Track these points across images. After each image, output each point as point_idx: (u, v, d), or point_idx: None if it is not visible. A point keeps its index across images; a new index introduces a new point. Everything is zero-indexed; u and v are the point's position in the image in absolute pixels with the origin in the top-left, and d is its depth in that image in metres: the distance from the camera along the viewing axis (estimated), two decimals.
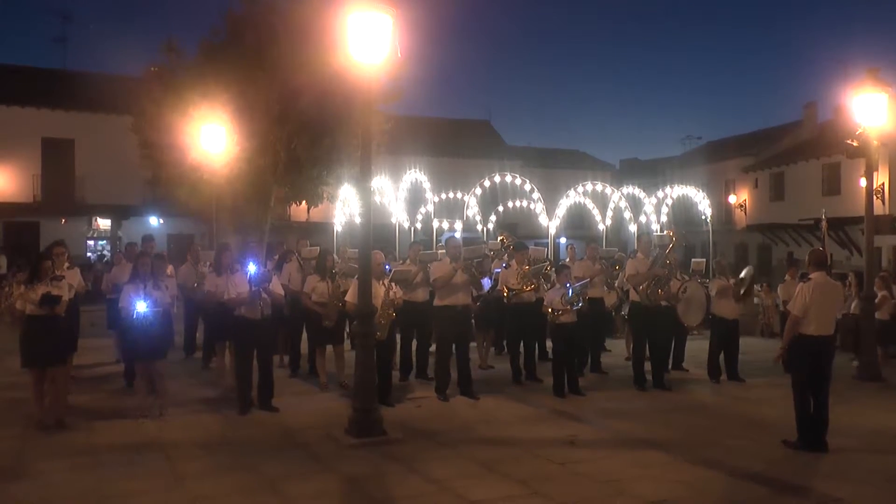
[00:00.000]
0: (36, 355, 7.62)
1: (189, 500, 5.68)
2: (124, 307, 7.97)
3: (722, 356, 10.78)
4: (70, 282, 8.32)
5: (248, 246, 10.02)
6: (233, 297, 8.32)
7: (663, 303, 10.14)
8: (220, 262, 9.23)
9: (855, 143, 11.50)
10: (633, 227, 19.35)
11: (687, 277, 10.88)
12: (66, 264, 9.15)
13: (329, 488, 5.96)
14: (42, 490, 5.84)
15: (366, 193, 7.69)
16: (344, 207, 21.36)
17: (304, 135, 16.86)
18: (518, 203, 22.24)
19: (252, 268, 8.24)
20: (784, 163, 33.62)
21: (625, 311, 11.97)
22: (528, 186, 18.81)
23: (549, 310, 9.45)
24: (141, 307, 7.81)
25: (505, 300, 10.40)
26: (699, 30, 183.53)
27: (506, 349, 11.72)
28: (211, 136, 13.23)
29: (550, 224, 18.41)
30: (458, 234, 18.65)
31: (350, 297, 8.56)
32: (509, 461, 6.64)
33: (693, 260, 11.79)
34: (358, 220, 17.66)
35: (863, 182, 11.91)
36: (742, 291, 10.93)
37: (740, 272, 11.35)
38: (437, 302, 9.41)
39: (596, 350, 11.38)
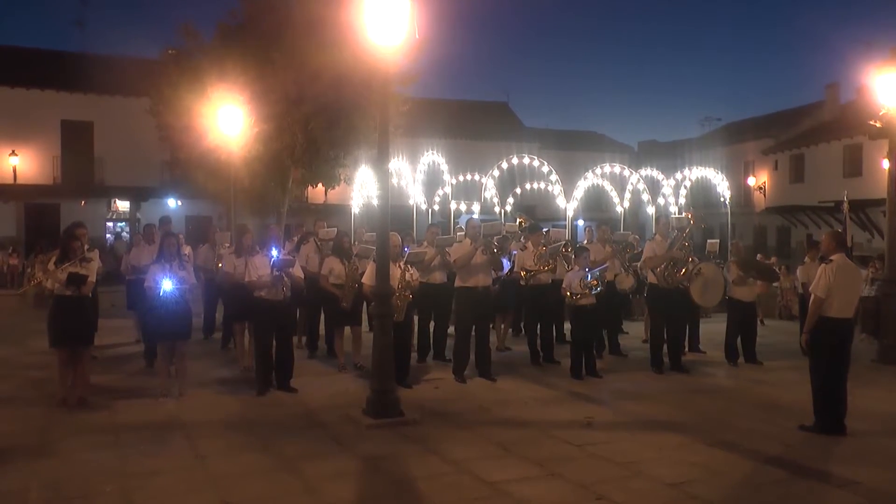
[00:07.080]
0: (64, 335, 7.69)
1: (209, 479, 5.74)
2: (150, 287, 8.05)
3: (740, 339, 10.73)
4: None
5: (268, 228, 10.04)
6: (253, 279, 8.38)
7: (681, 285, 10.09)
8: (240, 243, 9.31)
9: (878, 124, 11.36)
10: (651, 210, 19.23)
11: (697, 259, 10.80)
12: (86, 246, 9.23)
13: (347, 468, 6.01)
14: (65, 467, 5.92)
15: (383, 175, 7.69)
16: (361, 189, 21.38)
17: (322, 117, 16.88)
18: (536, 185, 22.16)
19: (275, 253, 8.29)
20: (805, 144, 33.23)
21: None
22: (545, 168, 18.74)
23: (568, 293, 9.44)
24: (167, 285, 7.89)
25: (522, 282, 10.39)
26: (718, 9, 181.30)
27: (523, 331, 11.72)
28: (228, 119, 13.25)
29: (568, 206, 18.35)
30: (475, 217, 18.61)
31: (367, 278, 8.59)
32: (526, 442, 6.66)
33: (708, 241, 11.71)
34: (375, 202, 17.75)
35: (885, 163, 11.75)
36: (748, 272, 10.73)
37: (756, 255, 11.22)
38: (457, 283, 9.39)
39: (614, 332, 11.35)
